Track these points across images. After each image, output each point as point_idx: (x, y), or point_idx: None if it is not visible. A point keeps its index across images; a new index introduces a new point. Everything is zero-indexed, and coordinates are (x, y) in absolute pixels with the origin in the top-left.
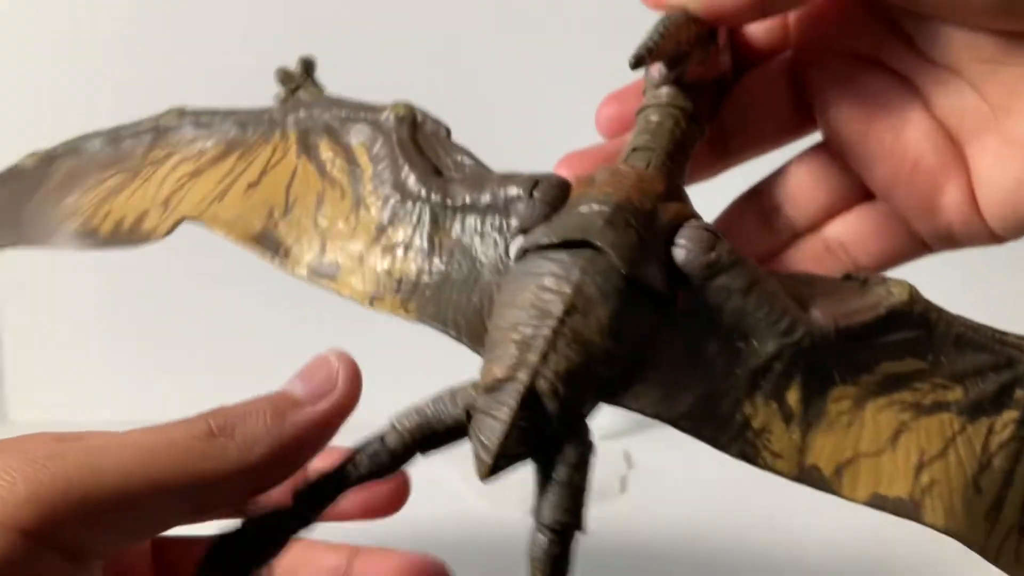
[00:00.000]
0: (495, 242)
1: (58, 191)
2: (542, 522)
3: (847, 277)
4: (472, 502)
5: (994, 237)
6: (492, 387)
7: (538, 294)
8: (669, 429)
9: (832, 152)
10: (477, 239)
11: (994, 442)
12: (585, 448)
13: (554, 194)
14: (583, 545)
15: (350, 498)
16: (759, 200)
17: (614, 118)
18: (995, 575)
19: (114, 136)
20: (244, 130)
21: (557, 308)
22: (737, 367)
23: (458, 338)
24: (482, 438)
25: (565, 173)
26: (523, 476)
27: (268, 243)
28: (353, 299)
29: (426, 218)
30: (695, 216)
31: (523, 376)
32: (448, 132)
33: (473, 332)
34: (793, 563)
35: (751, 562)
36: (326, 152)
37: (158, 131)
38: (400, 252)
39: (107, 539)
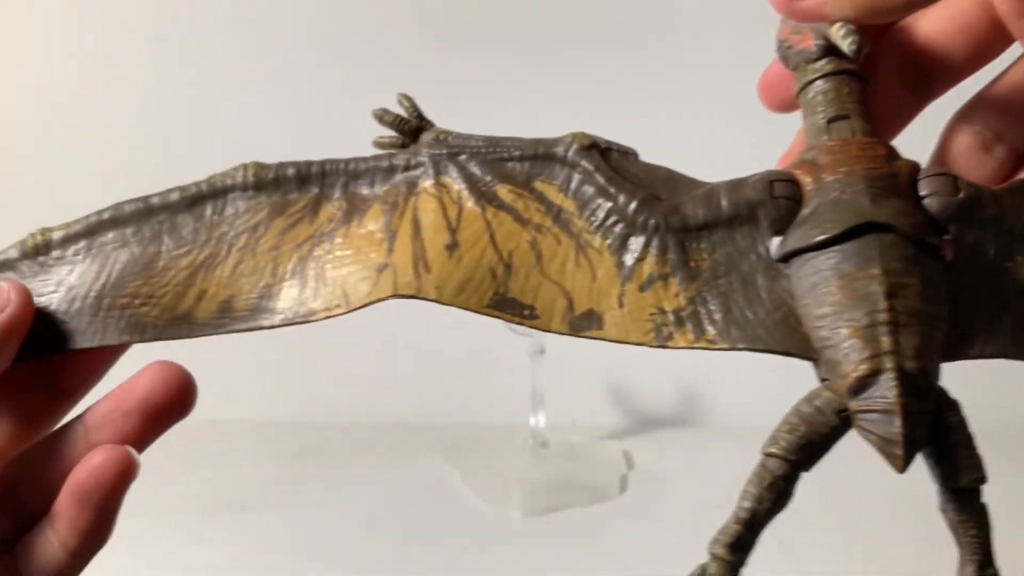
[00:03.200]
0: (754, 250)
1: (111, 273)
2: (960, 486)
3: None
4: (472, 502)
5: None
6: (859, 386)
7: (849, 285)
8: (669, 429)
9: None
10: (734, 252)
11: None
12: (957, 406)
13: (792, 190)
14: (583, 544)
15: None
16: (973, 125)
17: (775, 98)
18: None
19: (185, 200)
20: (366, 181)
21: (879, 292)
22: (1014, 285)
23: (784, 353)
24: (881, 434)
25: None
26: (522, 477)
27: (508, 307)
28: (640, 345)
29: (670, 244)
30: (920, 166)
31: (890, 364)
32: (636, 154)
33: (793, 342)
34: (792, 562)
35: (750, 562)
36: (510, 197)
37: (244, 190)
38: (659, 286)
39: None
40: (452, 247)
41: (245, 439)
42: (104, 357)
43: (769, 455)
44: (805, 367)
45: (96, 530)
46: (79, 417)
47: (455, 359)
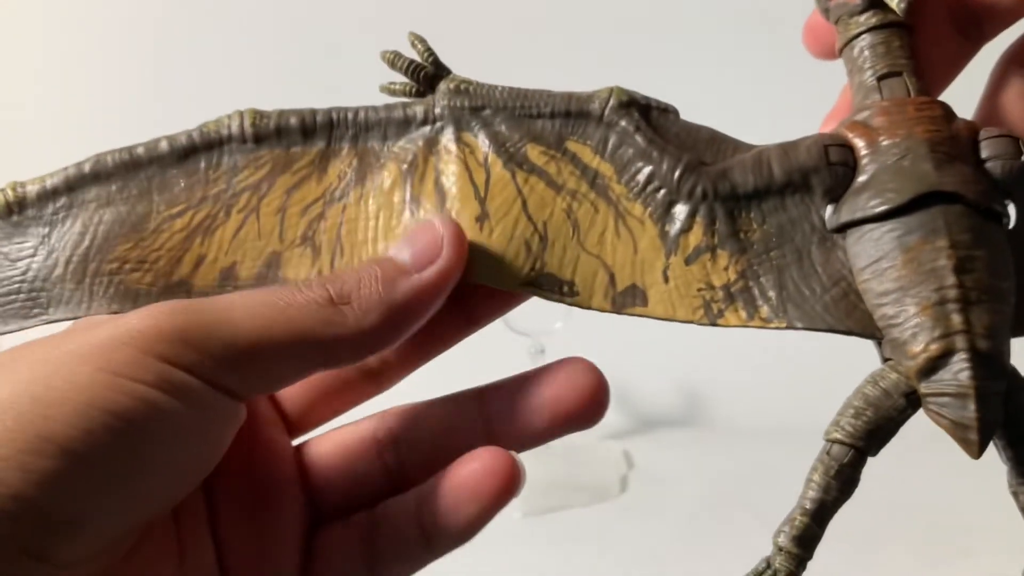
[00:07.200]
0: (807, 220)
1: (95, 235)
2: None
3: None
4: None
5: None
6: (930, 367)
7: (914, 259)
8: (669, 429)
9: None
10: (786, 222)
11: None
12: None
13: (846, 155)
14: (583, 544)
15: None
16: (1022, 68)
17: (822, 44)
18: None
19: (175, 152)
20: (378, 134)
21: (947, 266)
22: None
23: (846, 333)
24: (954, 419)
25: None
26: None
27: (545, 284)
28: (689, 323)
29: (719, 214)
30: (980, 127)
31: (962, 343)
32: (676, 112)
33: (855, 320)
34: None
35: (750, 562)
36: (541, 159)
37: (242, 142)
38: (707, 258)
39: (243, 383)
40: (482, 218)
41: None
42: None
43: (833, 441)
44: (806, 366)
45: (463, 535)
46: (480, 391)
47: (454, 359)
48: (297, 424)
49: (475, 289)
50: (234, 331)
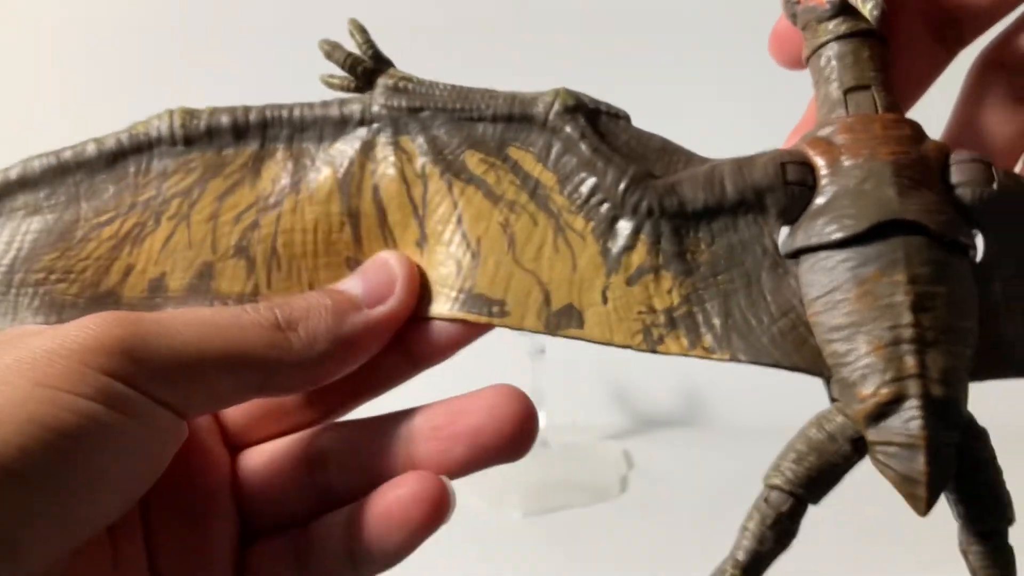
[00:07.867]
0: (759, 242)
1: (22, 244)
2: (984, 530)
3: None
4: (472, 502)
5: None
6: (879, 413)
7: (869, 293)
8: (669, 429)
9: None
10: (736, 243)
11: None
12: (985, 437)
13: (805, 174)
14: (583, 544)
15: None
16: (1002, 71)
17: (789, 52)
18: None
19: (104, 156)
20: (314, 134)
21: (903, 302)
22: None
23: (792, 369)
24: (901, 472)
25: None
26: (522, 476)
27: (473, 306)
28: (627, 349)
29: (665, 232)
30: (950, 149)
31: (915, 389)
32: (628, 119)
33: (803, 356)
34: (792, 561)
35: None
36: (480, 168)
37: (172, 144)
38: (650, 279)
39: (184, 399)
40: (421, 242)
41: None
42: (465, 332)
43: (772, 487)
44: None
45: (390, 560)
46: (409, 414)
47: (453, 359)
48: (237, 438)
49: (418, 333)
50: (176, 344)
